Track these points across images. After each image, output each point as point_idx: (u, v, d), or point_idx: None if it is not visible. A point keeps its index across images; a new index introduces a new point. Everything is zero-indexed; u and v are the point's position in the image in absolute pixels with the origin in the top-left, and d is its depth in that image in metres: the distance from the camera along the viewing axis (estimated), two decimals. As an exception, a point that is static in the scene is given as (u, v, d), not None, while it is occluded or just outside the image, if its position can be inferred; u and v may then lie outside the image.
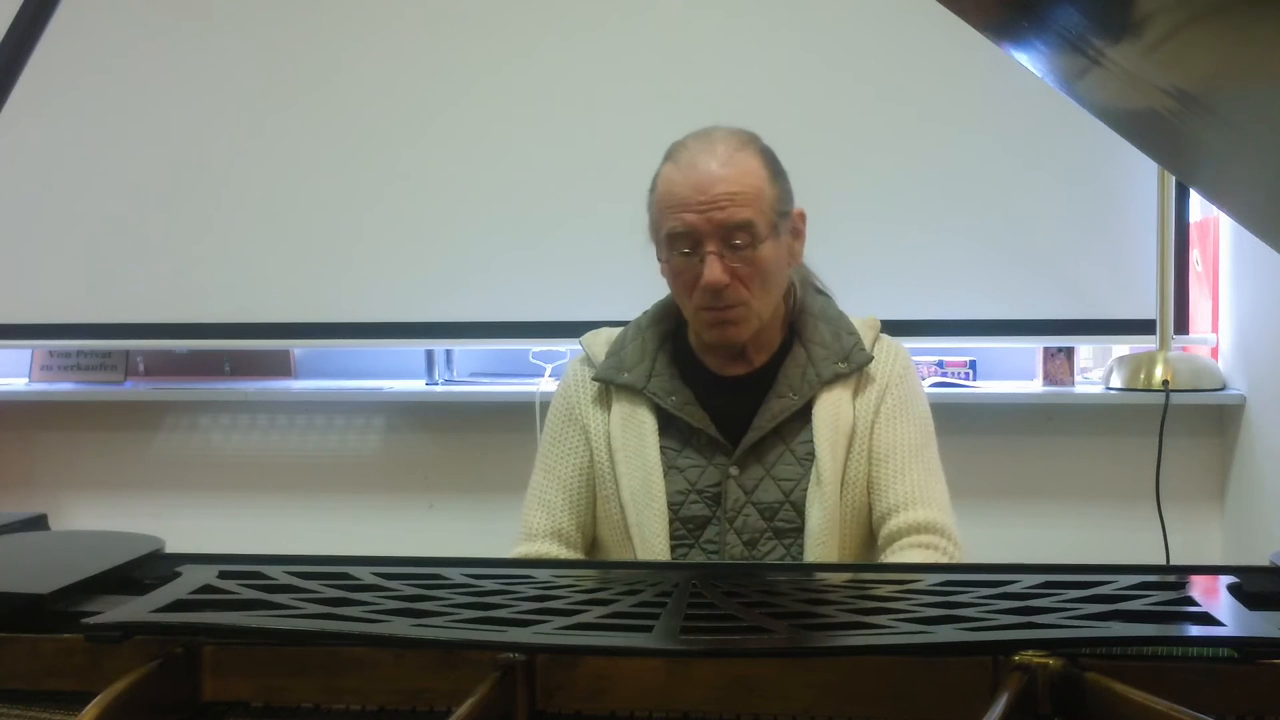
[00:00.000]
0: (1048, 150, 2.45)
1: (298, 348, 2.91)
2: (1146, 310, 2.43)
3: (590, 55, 2.57)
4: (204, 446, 2.89)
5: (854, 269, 2.47)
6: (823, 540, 1.44)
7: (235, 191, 2.71)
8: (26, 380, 2.94)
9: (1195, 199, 2.48)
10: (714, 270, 1.41)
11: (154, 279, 2.75)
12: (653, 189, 1.49)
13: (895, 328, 2.46)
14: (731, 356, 1.52)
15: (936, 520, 1.45)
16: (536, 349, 2.68)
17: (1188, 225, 2.48)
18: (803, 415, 1.48)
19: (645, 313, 1.59)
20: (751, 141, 1.48)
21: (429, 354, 2.80)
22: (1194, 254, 2.51)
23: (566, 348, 2.64)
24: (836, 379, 1.49)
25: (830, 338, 1.51)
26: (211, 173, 2.71)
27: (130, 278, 2.76)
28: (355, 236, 2.67)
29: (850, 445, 1.48)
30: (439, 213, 2.64)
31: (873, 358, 1.51)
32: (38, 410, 2.92)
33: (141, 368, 2.95)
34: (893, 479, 1.47)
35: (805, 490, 1.46)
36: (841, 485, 1.46)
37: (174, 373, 2.96)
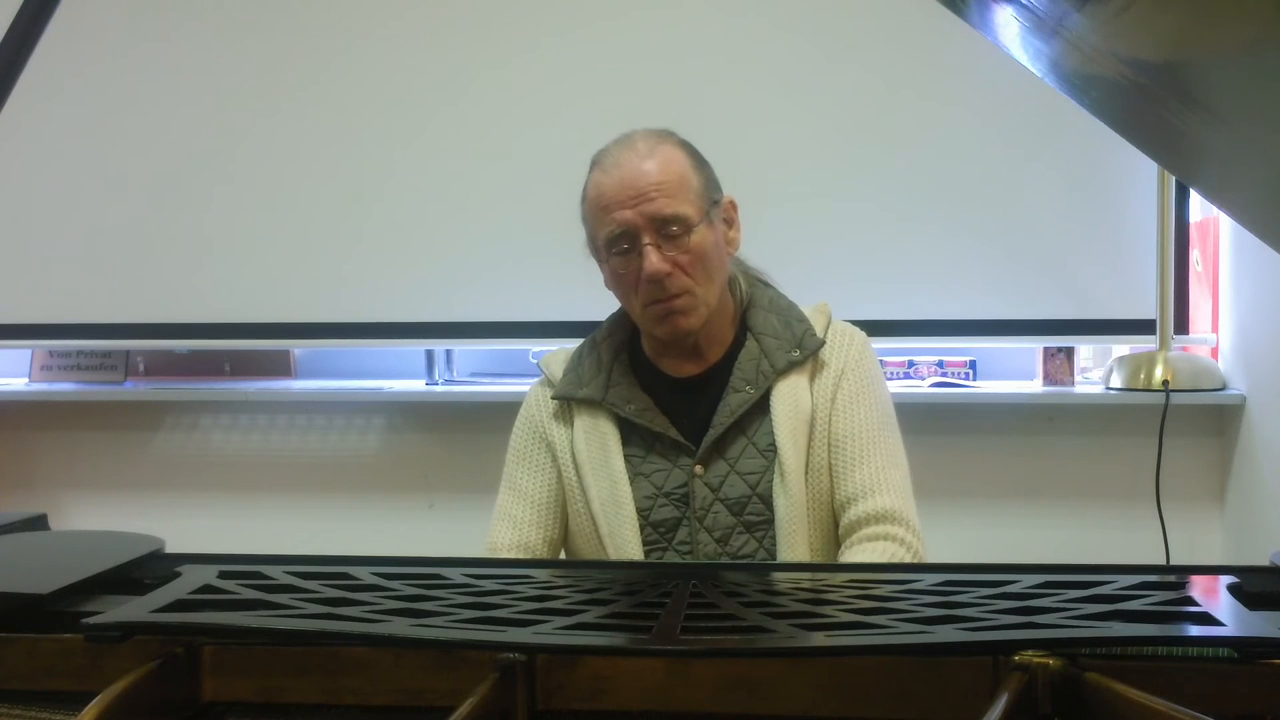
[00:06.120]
0: (1048, 150, 2.45)
1: (298, 348, 2.91)
2: (1146, 310, 2.43)
3: (590, 55, 2.57)
4: (204, 446, 2.89)
5: (855, 269, 2.48)
6: (792, 529, 1.45)
7: (235, 192, 2.71)
8: (26, 380, 2.94)
9: (1195, 199, 2.47)
10: (653, 260, 1.43)
11: (154, 279, 2.74)
12: (583, 200, 1.52)
13: (895, 327, 2.50)
14: (685, 356, 1.54)
15: (894, 508, 1.46)
16: (536, 349, 2.68)
17: (1188, 225, 2.48)
18: (761, 407, 1.49)
19: (599, 328, 1.62)
20: (670, 135, 1.51)
21: (429, 354, 2.80)
22: (1194, 254, 2.51)
23: (566, 348, 2.65)
24: (791, 367, 1.50)
25: (781, 327, 1.53)
26: (212, 173, 2.71)
27: (130, 278, 2.76)
28: (355, 236, 2.67)
29: (811, 432, 1.48)
30: (439, 213, 2.64)
31: (824, 342, 1.52)
32: (38, 410, 2.92)
33: (141, 368, 2.95)
34: (852, 466, 1.48)
35: (770, 481, 1.47)
36: (805, 473, 1.47)
37: (174, 373, 2.96)
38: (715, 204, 1.50)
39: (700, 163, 1.50)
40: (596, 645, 0.78)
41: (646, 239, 1.44)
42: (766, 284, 1.61)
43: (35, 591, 0.88)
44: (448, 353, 2.81)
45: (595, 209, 1.48)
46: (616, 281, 1.50)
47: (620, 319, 1.60)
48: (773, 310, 1.55)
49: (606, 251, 1.48)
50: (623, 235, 1.45)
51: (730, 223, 1.54)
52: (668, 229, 1.44)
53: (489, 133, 2.61)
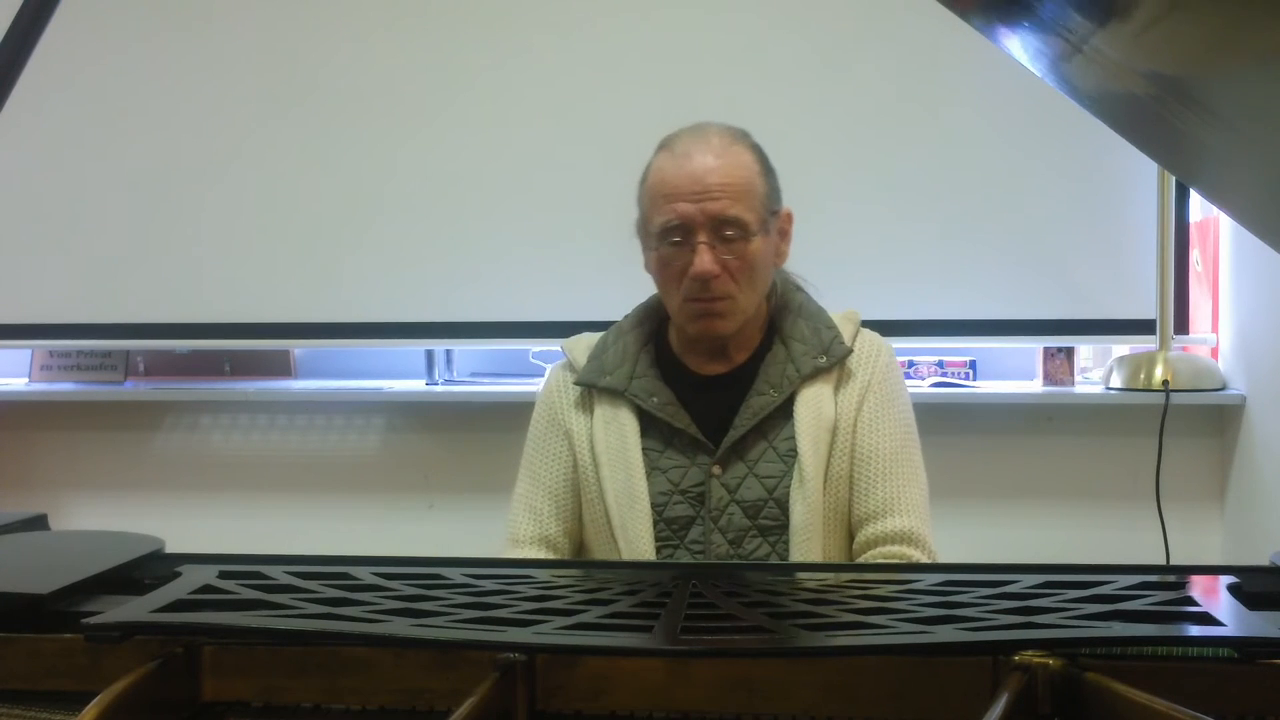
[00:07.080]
0: (1048, 150, 2.45)
1: (298, 348, 2.91)
2: (1146, 310, 2.43)
3: (590, 55, 2.57)
4: (204, 446, 2.89)
5: (854, 269, 2.47)
6: (807, 536, 1.44)
7: (235, 191, 2.71)
8: (26, 380, 2.94)
9: (1195, 199, 2.47)
10: (704, 259, 1.42)
11: (154, 279, 2.74)
12: (644, 180, 1.50)
13: (895, 327, 2.48)
14: (712, 355, 1.53)
15: (911, 529, 1.46)
16: (536, 349, 2.68)
17: (1188, 225, 2.48)
18: (784, 411, 1.48)
19: (627, 316, 1.60)
20: (745, 136, 1.50)
21: (429, 354, 2.79)
22: (1194, 254, 2.51)
23: (566, 348, 2.64)
24: (817, 374, 1.49)
25: (809, 333, 1.52)
26: (211, 173, 2.71)
27: (130, 278, 2.76)
28: (355, 236, 2.67)
29: (833, 441, 1.48)
30: (439, 213, 2.64)
31: (851, 350, 1.52)
32: (38, 410, 2.92)
33: (141, 368, 2.95)
34: (873, 484, 1.47)
35: (788, 487, 1.46)
36: (825, 481, 1.46)
37: (174, 373, 2.96)
38: (774, 214, 1.49)
39: (768, 170, 1.49)
40: (596, 645, 0.78)
41: (701, 237, 1.43)
42: (799, 289, 1.60)
43: (35, 591, 0.88)
44: (448, 353, 2.81)
45: (655, 194, 1.46)
46: (661, 269, 1.49)
47: (650, 309, 1.59)
48: (802, 316, 1.54)
49: (658, 239, 1.46)
50: (678, 227, 1.44)
51: (784, 235, 1.53)
52: (724, 231, 1.43)
53: (489, 133, 2.60)
